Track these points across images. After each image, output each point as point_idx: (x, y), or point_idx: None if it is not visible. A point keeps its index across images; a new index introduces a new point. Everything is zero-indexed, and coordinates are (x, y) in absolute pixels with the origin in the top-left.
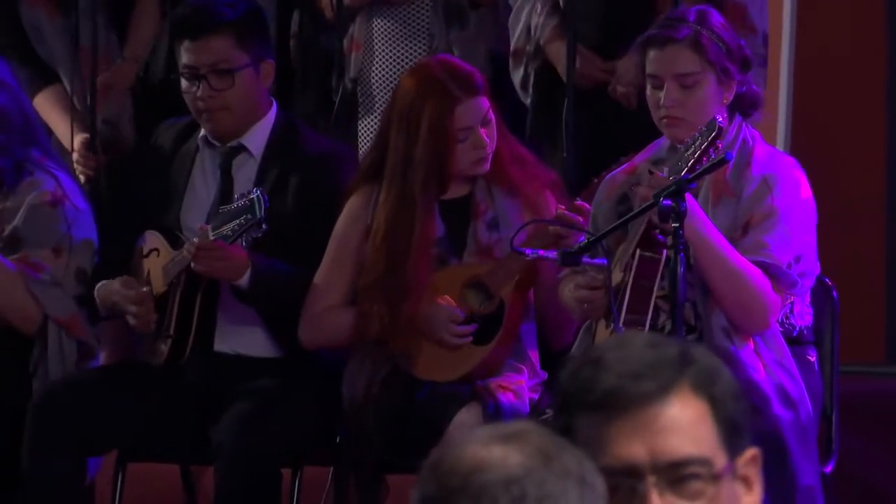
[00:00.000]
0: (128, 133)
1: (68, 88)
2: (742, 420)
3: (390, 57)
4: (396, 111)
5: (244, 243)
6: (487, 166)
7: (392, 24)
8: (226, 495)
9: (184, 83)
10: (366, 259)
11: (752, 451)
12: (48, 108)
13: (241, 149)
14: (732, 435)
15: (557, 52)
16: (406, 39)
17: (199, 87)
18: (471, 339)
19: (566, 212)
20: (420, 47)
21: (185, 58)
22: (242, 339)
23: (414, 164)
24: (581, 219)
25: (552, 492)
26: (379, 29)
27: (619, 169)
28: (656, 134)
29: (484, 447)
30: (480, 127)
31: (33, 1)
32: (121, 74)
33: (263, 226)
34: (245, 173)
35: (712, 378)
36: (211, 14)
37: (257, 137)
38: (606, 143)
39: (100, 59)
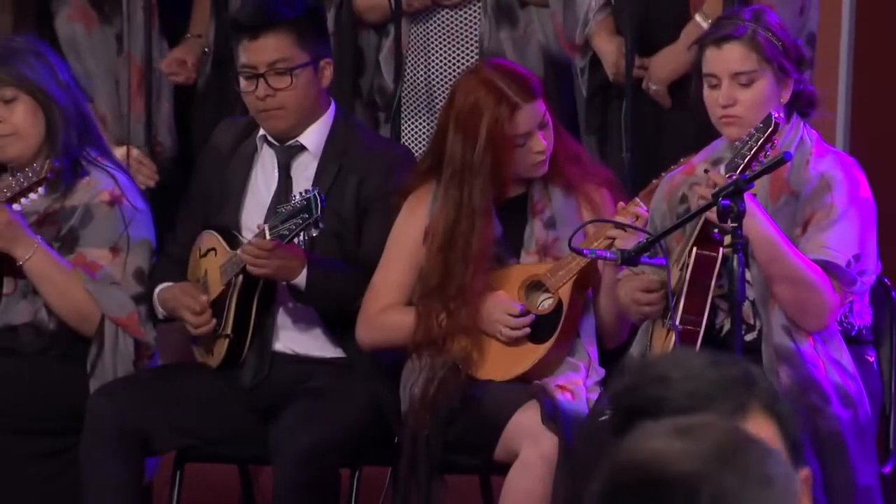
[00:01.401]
0: (166, 139)
1: (102, 103)
2: (801, 439)
3: (439, 59)
4: (453, 116)
5: (301, 242)
6: (545, 168)
7: (441, 26)
8: (284, 495)
9: (242, 82)
10: (424, 263)
11: (805, 472)
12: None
13: (300, 148)
14: (794, 454)
15: (602, 46)
16: (455, 41)
17: (257, 87)
18: (528, 330)
19: (627, 208)
20: (470, 49)
21: (243, 57)
22: (300, 338)
23: (472, 170)
24: (642, 210)
25: (728, 490)
26: (427, 31)
27: (677, 169)
28: (711, 133)
29: (660, 441)
30: (538, 130)
31: (71, 15)
32: (190, 49)
33: (320, 225)
34: (304, 172)
35: (776, 397)
36: (269, 13)
37: (316, 136)
38: (661, 142)
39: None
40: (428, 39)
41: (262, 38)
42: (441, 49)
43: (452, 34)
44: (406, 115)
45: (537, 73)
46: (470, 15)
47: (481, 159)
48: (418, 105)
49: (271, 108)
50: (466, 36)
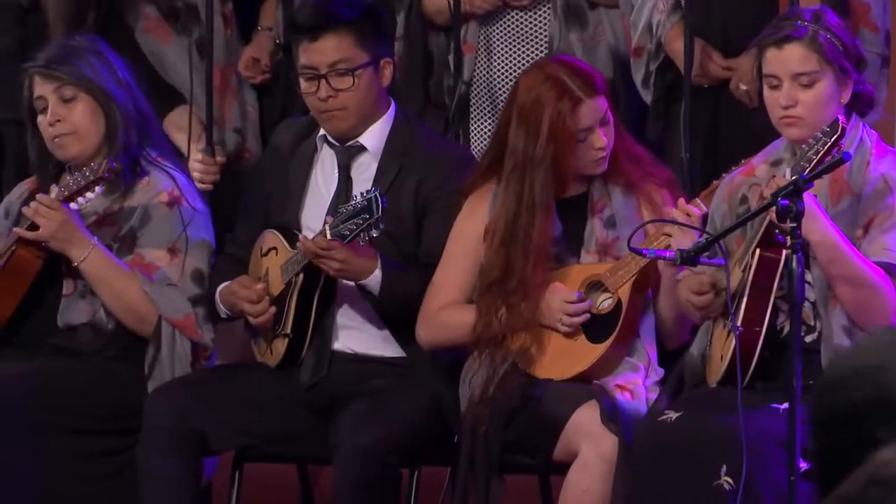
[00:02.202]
0: (253, 144)
1: (191, 110)
2: None
3: (508, 60)
4: (516, 110)
5: (361, 242)
6: (605, 166)
7: (510, 27)
8: (345, 494)
9: (303, 84)
10: (484, 259)
11: None
12: (174, 131)
13: (360, 148)
14: None
15: (679, 50)
16: (525, 42)
17: (318, 88)
18: (587, 316)
19: (687, 205)
20: (539, 50)
21: (303, 58)
22: (359, 337)
23: (533, 164)
24: (699, 211)
25: None
26: (496, 32)
27: (737, 170)
28: (773, 133)
29: None
30: (599, 127)
31: (147, 28)
32: (261, 45)
33: (380, 225)
34: (364, 172)
35: None
36: (329, 14)
37: (376, 137)
38: (724, 143)
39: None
40: (495, 40)
41: (322, 40)
42: (508, 50)
43: (521, 35)
44: (473, 117)
45: (606, 75)
46: (539, 16)
47: (543, 153)
48: (484, 106)
49: (333, 109)
50: (536, 37)
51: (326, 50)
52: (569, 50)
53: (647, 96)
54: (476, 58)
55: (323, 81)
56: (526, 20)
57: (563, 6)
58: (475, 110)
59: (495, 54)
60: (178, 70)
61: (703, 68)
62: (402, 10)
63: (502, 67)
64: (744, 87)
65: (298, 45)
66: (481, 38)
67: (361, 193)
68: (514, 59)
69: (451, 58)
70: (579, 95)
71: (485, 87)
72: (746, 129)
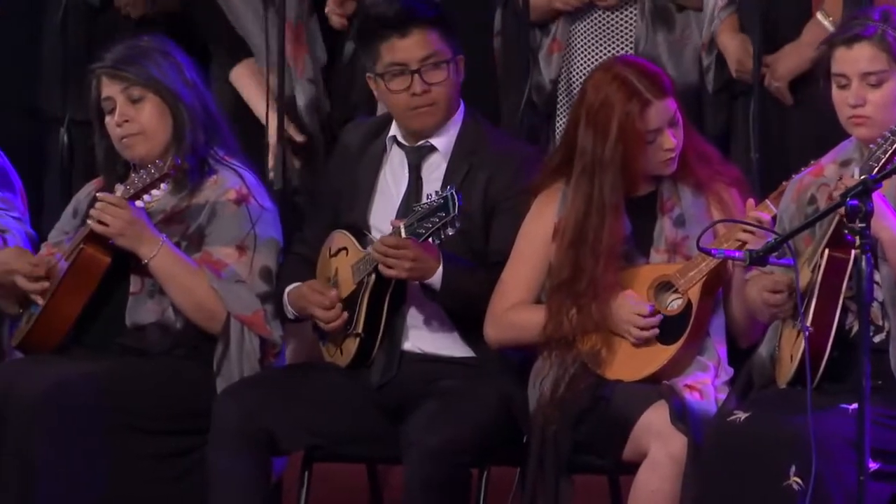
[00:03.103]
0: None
1: (260, 64)
2: None
3: (590, 58)
4: (584, 111)
5: (436, 241)
6: (674, 166)
7: (596, 27)
8: (415, 494)
9: (393, 82)
10: (553, 259)
11: None
12: (244, 81)
13: (431, 148)
14: None
15: (726, 43)
16: (610, 42)
17: (411, 84)
18: (657, 331)
19: (755, 209)
20: (623, 50)
21: (390, 56)
22: (429, 338)
23: (602, 165)
24: (767, 216)
25: None
26: (583, 31)
27: (806, 171)
28: (838, 133)
29: None
30: (668, 128)
31: None
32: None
33: (456, 224)
34: (434, 172)
35: None
36: (417, 9)
37: (446, 136)
38: (786, 142)
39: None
40: (576, 38)
41: (413, 35)
42: (590, 48)
43: (605, 35)
44: (560, 114)
45: (692, 77)
46: (625, 17)
47: (612, 154)
48: (565, 104)
49: (424, 105)
50: (620, 37)
51: (417, 45)
52: (655, 51)
53: (710, 88)
54: (564, 56)
55: (416, 76)
56: (612, 20)
57: (651, 8)
58: (561, 108)
59: (576, 52)
60: (247, 24)
61: (743, 64)
62: (498, 6)
63: (583, 66)
64: (775, 85)
65: (381, 43)
66: (566, 36)
67: (437, 192)
68: (597, 57)
69: (541, 55)
70: (648, 97)
71: (570, 85)
72: (800, 127)
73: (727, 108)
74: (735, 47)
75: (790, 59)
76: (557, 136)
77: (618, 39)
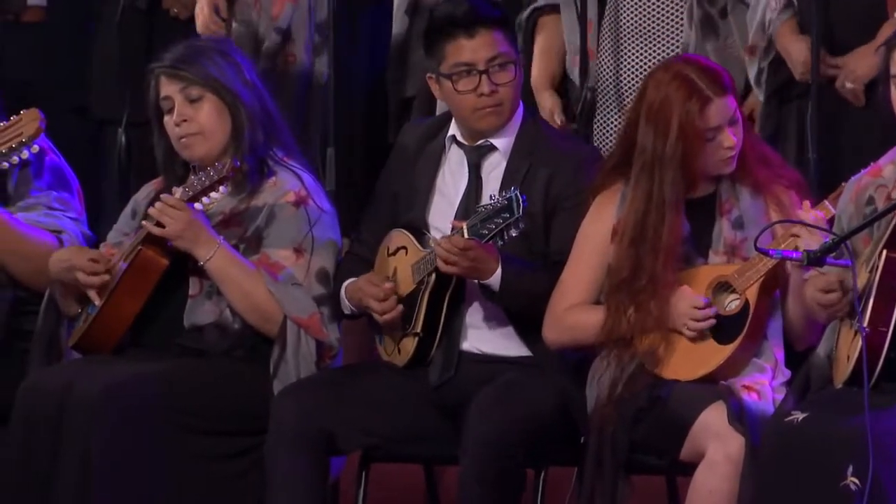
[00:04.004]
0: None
1: None
2: None
3: (632, 59)
4: (644, 109)
5: (499, 242)
6: (733, 166)
7: (640, 31)
8: (470, 493)
9: (461, 82)
10: (613, 258)
11: None
12: None
13: (490, 147)
14: None
15: (789, 46)
16: (656, 46)
17: (479, 83)
18: (713, 321)
19: (813, 209)
20: (669, 54)
21: (456, 56)
22: (487, 338)
23: (663, 163)
24: (824, 214)
25: None
26: (627, 35)
27: (864, 171)
28: (888, 133)
29: None
30: (728, 126)
31: None
32: None
33: (520, 225)
34: (493, 171)
35: None
36: (484, 10)
37: (506, 135)
38: (842, 142)
39: None
40: (623, 41)
41: (480, 35)
42: (636, 50)
43: (652, 37)
44: (599, 118)
45: (738, 83)
46: (670, 20)
47: (672, 152)
48: (611, 106)
49: (490, 105)
50: (667, 40)
51: (485, 45)
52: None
53: (760, 94)
54: (600, 60)
55: (484, 77)
56: (657, 28)
57: (700, 15)
58: (601, 110)
59: (625, 58)
60: None
61: (808, 66)
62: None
63: (624, 65)
64: (850, 86)
65: (447, 44)
66: (607, 42)
67: (501, 193)
68: (640, 58)
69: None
70: (708, 94)
71: (612, 88)
72: (857, 127)
73: (777, 112)
74: (799, 50)
75: (867, 60)
76: (595, 138)
77: (662, 43)
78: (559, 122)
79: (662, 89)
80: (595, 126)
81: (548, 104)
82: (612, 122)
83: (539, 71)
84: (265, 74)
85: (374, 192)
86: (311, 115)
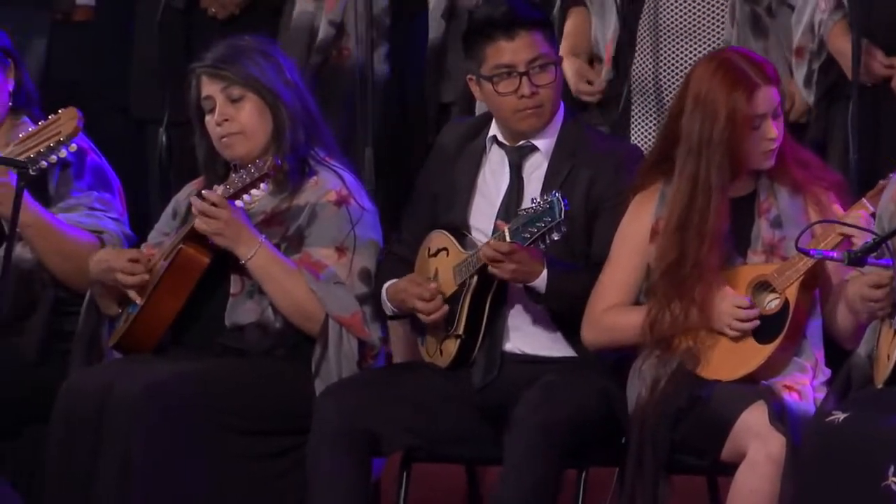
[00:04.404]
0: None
1: None
2: None
3: (680, 62)
4: (691, 97)
5: (542, 246)
6: (773, 161)
7: (680, 29)
8: (511, 494)
9: (501, 84)
10: (657, 248)
11: None
12: None
13: (532, 148)
14: None
15: (841, 48)
16: (696, 44)
17: (520, 85)
18: (757, 322)
19: (852, 208)
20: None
21: (496, 58)
22: (530, 338)
23: (710, 146)
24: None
25: None
26: (667, 33)
27: None
28: None
29: None
30: (772, 119)
31: None
32: None
33: (562, 229)
34: (535, 172)
35: None
36: (524, 12)
37: (547, 136)
38: (886, 142)
39: None
40: (661, 37)
41: (520, 37)
42: (676, 47)
43: (692, 35)
44: (634, 114)
45: (784, 84)
46: (714, 21)
47: (720, 136)
48: (650, 104)
49: (531, 107)
50: (708, 38)
51: (524, 47)
52: None
53: (810, 97)
54: (638, 58)
55: (525, 79)
56: (701, 27)
57: (744, 14)
58: (638, 108)
59: (663, 53)
60: None
61: (865, 67)
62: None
63: (663, 64)
64: None
65: (487, 45)
66: (649, 37)
67: (542, 196)
68: (684, 57)
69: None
70: (756, 81)
71: (651, 86)
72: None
73: (826, 114)
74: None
75: None
76: (633, 135)
77: (706, 41)
78: (591, 82)
79: (708, 78)
80: (633, 125)
81: (574, 65)
82: (650, 121)
83: (567, 45)
84: (318, 68)
85: (413, 193)
86: (360, 111)
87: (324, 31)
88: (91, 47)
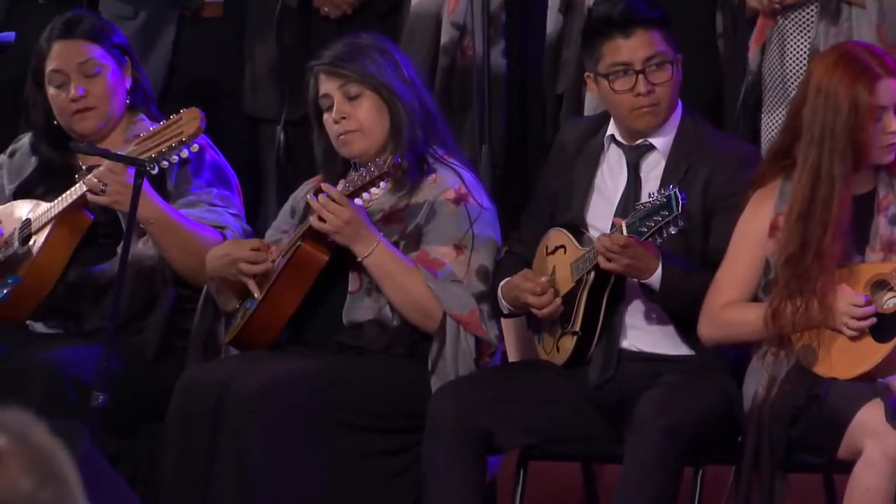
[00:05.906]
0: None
1: None
2: None
3: (796, 53)
4: (813, 88)
5: (658, 240)
6: (892, 156)
7: (801, 21)
8: (631, 491)
9: (617, 82)
10: (781, 239)
11: None
12: None
13: (649, 147)
14: None
15: None
16: (797, 40)
17: (636, 84)
18: (874, 320)
19: None
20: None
21: (613, 56)
22: (647, 336)
23: (835, 134)
24: None
25: None
26: (790, 24)
27: None
28: None
29: None
30: (894, 112)
31: None
32: None
33: (679, 223)
34: (653, 171)
35: None
36: (641, 9)
37: (665, 135)
38: None
39: None
40: (789, 33)
41: (636, 35)
42: (802, 40)
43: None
44: (766, 108)
45: None
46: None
47: (843, 125)
48: (776, 99)
49: (646, 106)
50: (803, 34)
51: (641, 45)
52: None
53: None
54: (767, 50)
55: (641, 77)
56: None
57: (829, 8)
58: (767, 102)
59: (789, 47)
60: None
61: None
62: (717, 8)
63: (788, 60)
64: None
65: (604, 43)
66: (775, 30)
67: (659, 191)
68: (803, 52)
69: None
70: (879, 71)
71: (778, 80)
72: None
73: None
74: None
75: None
76: (763, 132)
77: (800, 38)
78: None
79: (830, 70)
80: (763, 119)
81: None
82: (778, 115)
83: None
84: (445, 71)
85: (534, 191)
86: (478, 108)
87: (447, 33)
88: (217, 44)
